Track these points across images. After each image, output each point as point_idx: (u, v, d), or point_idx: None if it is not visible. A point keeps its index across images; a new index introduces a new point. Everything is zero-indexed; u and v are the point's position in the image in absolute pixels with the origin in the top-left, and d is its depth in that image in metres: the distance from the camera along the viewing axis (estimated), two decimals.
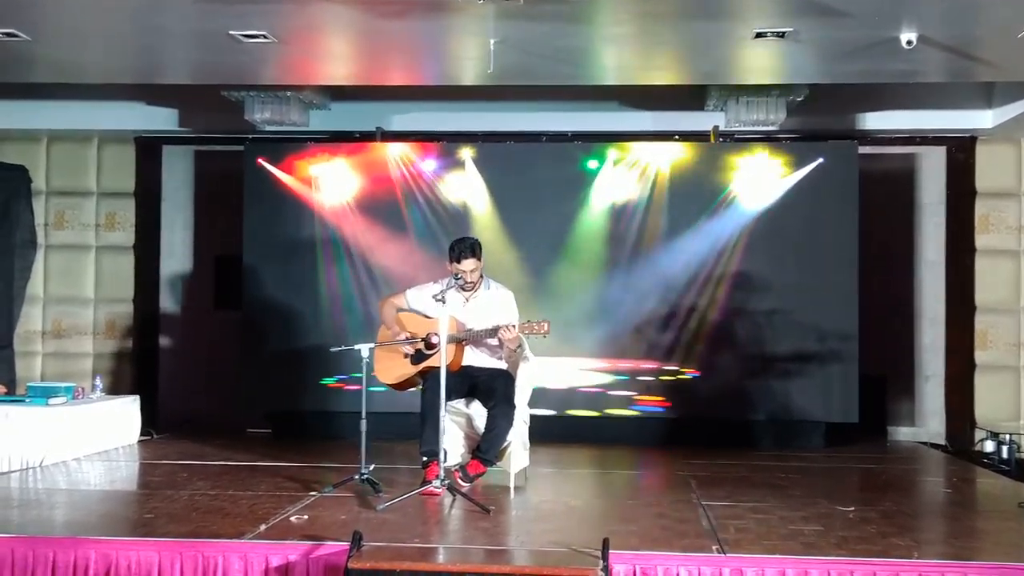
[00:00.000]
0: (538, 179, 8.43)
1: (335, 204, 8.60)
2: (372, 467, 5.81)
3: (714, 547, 4.47)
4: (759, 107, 8.15)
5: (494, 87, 7.95)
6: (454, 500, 5.43)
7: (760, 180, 8.31)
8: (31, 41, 6.72)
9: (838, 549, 4.49)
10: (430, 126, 9.01)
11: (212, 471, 6.60)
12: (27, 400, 7.13)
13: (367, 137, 8.91)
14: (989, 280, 8.99)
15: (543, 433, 6.69)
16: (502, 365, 6.04)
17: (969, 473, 7.23)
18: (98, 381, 7.92)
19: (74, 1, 6.07)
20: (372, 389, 5.85)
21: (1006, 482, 6.81)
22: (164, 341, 9.63)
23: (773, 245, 8.27)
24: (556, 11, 5.92)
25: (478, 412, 5.94)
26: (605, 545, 4.08)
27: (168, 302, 9.68)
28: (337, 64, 7.63)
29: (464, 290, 5.89)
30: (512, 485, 5.91)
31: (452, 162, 8.55)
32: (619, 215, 8.43)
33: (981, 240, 9.02)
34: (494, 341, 5.79)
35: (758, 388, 8.23)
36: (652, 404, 8.34)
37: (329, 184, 8.60)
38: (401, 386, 6.06)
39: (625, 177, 8.42)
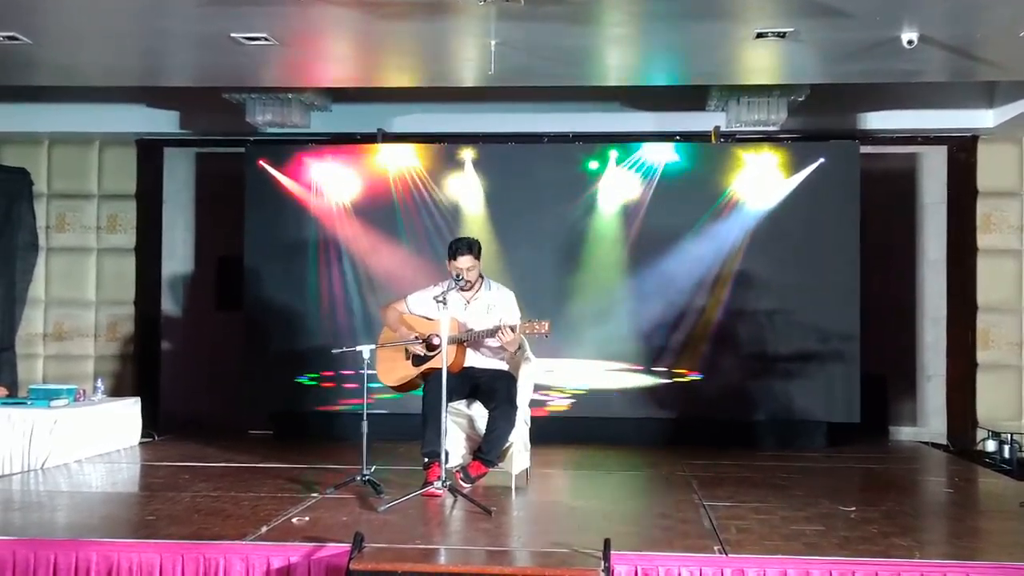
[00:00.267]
0: (539, 180, 8.43)
1: (336, 205, 8.60)
2: (373, 468, 5.82)
3: (716, 547, 4.47)
4: (760, 107, 8.14)
5: (495, 88, 7.97)
6: (455, 501, 5.43)
7: (761, 180, 8.30)
8: (32, 44, 6.73)
9: (840, 549, 4.49)
10: (431, 127, 9.02)
11: (214, 473, 6.60)
12: (29, 402, 7.14)
13: (368, 139, 8.91)
14: (991, 280, 8.99)
15: (544, 434, 6.69)
16: (503, 366, 6.04)
17: (971, 473, 7.23)
18: (99, 383, 7.91)
19: (75, 4, 6.08)
20: (372, 386, 5.85)
21: (1008, 482, 6.81)
22: (165, 343, 9.64)
23: (774, 245, 8.26)
24: (557, 12, 5.92)
25: (479, 413, 5.93)
26: (607, 546, 4.08)
27: (169, 304, 9.69)
28: (338, 66, 7.63)
29: (463, 290, 5.88)
30: (513, 486, 5.90)
31: (453, 163, 8.55)
32: (620, 216, 8.42)
33: (983, 240, 9.01)
34: (495, 342, 5.79)
35: (760, 388, 8.22)
36: (653, 405, 8.34)
37: (330, 186, 8.61)
38: (403, 388, 6.05)
39: (626, 178, 8.41)
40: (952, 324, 9.08)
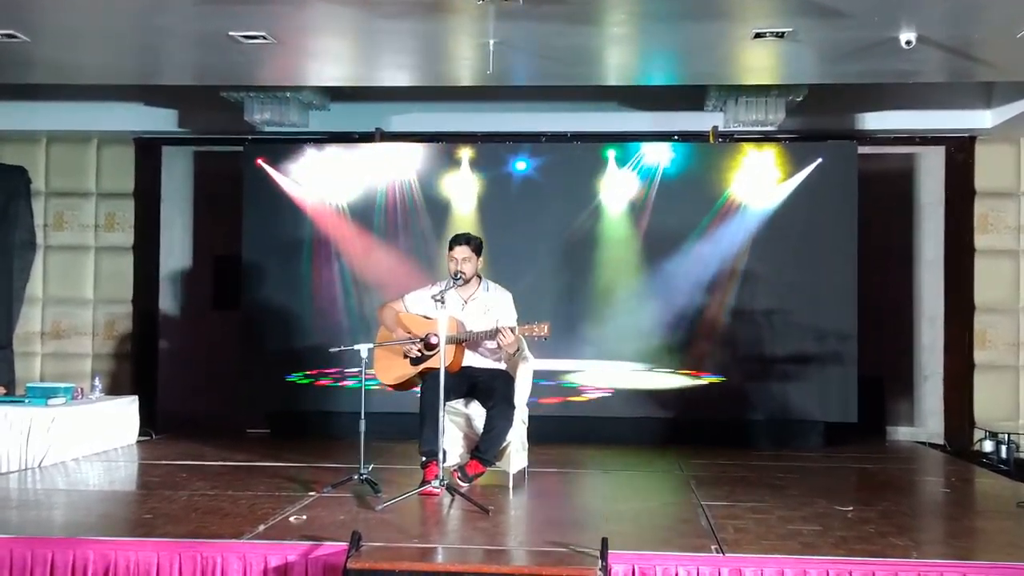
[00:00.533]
0: (538, 180, 8.43)
1: (334, 204, 8.60)
2: (371, 467, 5.82)
3: (713, 547, 4.47)
4: (758, 107, 8.15)
5: (493, 88, 7.97)
6: (453, 500, 5.43)
7: (759, 180, 8.31)
8: (30, 42, 6.73)
9: (836, 549, 4.49)
10: (429, 127, 9.02)
11: (211, 471, 6.60)
12: (26, 401, 7.14)
13: (366, 138, 8.91)
14: (988, 280, 9.00)
15: (542, 433, 6.70)
16: (501, 365, 6.05)
17: (968, 473, 7.22)
18: (97, 382, 7.92)
19: (73, 2, 6.08)
20: (370, 385, 5.86)
21: (1005, 482, 6.81)
22: (163, 341, 9.64)
23: (772, 245, 8.27)
24: (555, 11, 5.93)
25: (477, 412, 5.94)
26: (604, 545, 4.08)
27: (167, 302, 9.69)
28: (336, 65, 7.62)
29: (455, 281, 5.83)
30: (511, 485, 5.91)
31: (451, 162, 8.55)
32: (617, 216, 8.42)
33: (980, 240, 9.02)
34: (492, 343, 5.79)
35: (757, 388, 8.23)
36: (651, 404, 8.34)
37: (328, 184, 8.60)
38: (401, 387, 6.06)
39: (623, 177, 8.41)
40: (949, 324, 9.09)
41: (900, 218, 9.20)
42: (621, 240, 8.42)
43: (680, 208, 8.34)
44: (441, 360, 5.38)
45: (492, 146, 8.66)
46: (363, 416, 5.71)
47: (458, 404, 5.98)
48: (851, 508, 5.48)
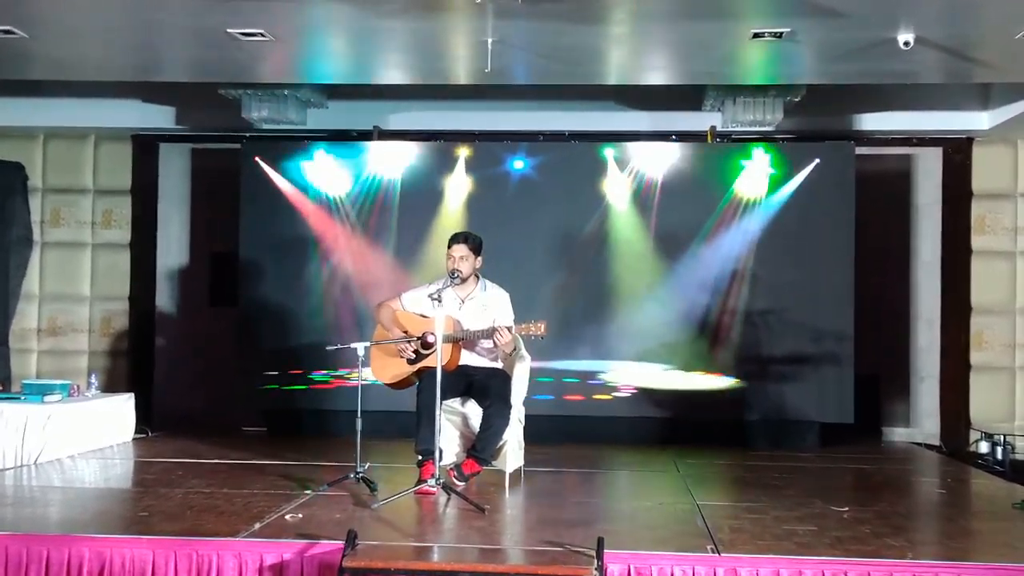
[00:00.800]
0: (537, 179, 8.43)
1: (332, 202, 8.60)
2: (367, 466, 5.81)
3: (709, 547, 4.47)
4: (756, 107, 8.15)
5: (491, 86, 7.96)
6: (449, 499, 5.42)
7: (756, 180, 8.31)
8: (28, 38, 6.72)
9: (832, 549, 4.49)
10: (427, 125, 9.01)
11: (207, 469, 6.59)
12: (22, 397, 7.13)
13: (364, 136, 8.91)
14: (985, 281, 9.01)
15: (538, 433, 6.69)
16: (498, 364, 6.05)
17: (963, 474, 7.24)
18: (93, 379, 7.91)
19: None
20: (367, 383, 5.85)
21: (1000, 483, 6.81)
22: (160, 339, 9.63)
23: (769, 245, 8.27)
24: (554, 10, 5.92)
25: (474, 411, 5.93)
26: (600, 544, 4.08)
27: (164, 299, 9.68)
28: (335, 62, 7.62)
29: (453, 279, 5.81)
30: (507, 484, 5.91)
31: (449, 161, 8.54)
32: (615, 215, 8.42)
33: (977, 241, 9.03)
34: (489, 342, 5.79)
35: (753, 388, 8.23)
36: (647, 403, 8.34)
37: (326, 182, 8.60)
38: (397, 385, 6.05)
39: (621, 177, 8.41)
40: (946, 325, 9.11)
41: (897, 219, 9.21)
42: (621, 240, 8.41)
43: (676, 208, 8.32)
44: (438, 359, 5.38)
45: (490, 145, 8.65)
46: (359, 414, 5.70)
47: (455, 403, 5.98)
48: (847, 508, 5.48)
